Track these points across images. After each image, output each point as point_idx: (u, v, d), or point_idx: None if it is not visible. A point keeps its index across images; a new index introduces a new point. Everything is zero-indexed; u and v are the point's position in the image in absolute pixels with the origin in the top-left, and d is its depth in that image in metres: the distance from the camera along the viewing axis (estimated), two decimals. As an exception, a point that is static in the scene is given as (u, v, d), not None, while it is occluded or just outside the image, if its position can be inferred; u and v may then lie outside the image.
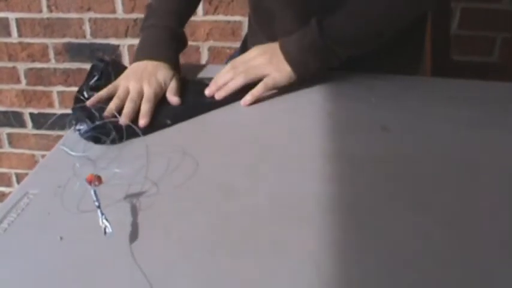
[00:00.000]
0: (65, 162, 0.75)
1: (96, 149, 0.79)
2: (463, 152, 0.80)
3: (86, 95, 0.91)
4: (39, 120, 2.06)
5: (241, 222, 0.64)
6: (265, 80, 0.94)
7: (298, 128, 0.86)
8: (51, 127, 2.05)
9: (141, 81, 0.92)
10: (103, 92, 0.91)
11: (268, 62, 0.96)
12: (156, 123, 0.87)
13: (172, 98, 0.93)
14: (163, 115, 0.89)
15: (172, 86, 0.95)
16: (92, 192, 0.63)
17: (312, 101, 0.95)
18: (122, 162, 0.76)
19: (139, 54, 1.00)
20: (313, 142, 0.81)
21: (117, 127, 0.82)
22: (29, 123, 2.07)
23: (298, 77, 0.95)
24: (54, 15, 1.85)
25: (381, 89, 0.99)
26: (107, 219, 0.60)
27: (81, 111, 0.86)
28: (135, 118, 0.86)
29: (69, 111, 1.89)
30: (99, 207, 0.62)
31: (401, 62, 1.09)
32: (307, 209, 0.66)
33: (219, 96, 0.94)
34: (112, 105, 0.87)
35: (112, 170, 0.72)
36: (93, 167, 0.73)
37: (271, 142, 0.82)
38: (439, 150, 0.80)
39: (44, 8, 1.84)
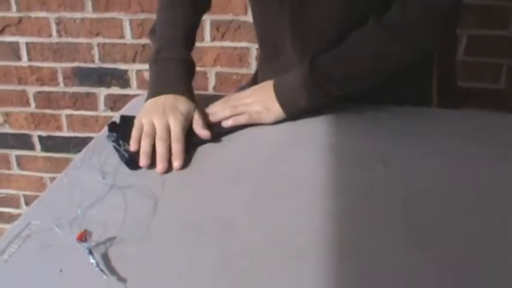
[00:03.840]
0: (68, 194, 0.76)
1: (98, 179, 0.80)
2: (466, 188, 0.79)
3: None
4: (47, 143, 2.07)
5: (241, 258, 0.65)
6: (252, 112, 0.97)
7: (299, 161, 0.87)
8: (60, 150, 2.07)
9: (165, 115, 0.91)
10: (135, 134, 0.89)
11: (260, 101, 0.99)
12: None
13: (202, 132, 0.92)
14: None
15: (197, 118, 0.94)
16: (86, 252, 0.63)
17: (314, 134, 0.95)
18: (126, 194, 0.77)
19: (156, 89, 0.99)
20: (313, 176, 0.82)
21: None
22: (38, 146, 2.09)
23: (287, 114, 0.98)
24: (64, 39, 1.87)
25: (384, 122, 0.99)
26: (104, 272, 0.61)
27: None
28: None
29: (76, 134, 1.91)
30: (97, 266, 0.62)
31: (408, 94, 1.08)
32: (306, 247, 0.66)
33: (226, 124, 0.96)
34: (146, 147, 0.86)
35: (114, 200, 0.73)
36: (94, 198, 0.74)
37: (271, 176, 0.83)
38: (441, 186, 0.79)
39: (54, 33, 1.87)
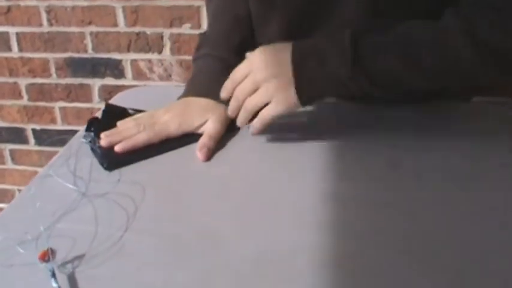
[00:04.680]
0: (35, 205, 0.68)
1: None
2: (484, 197, 0.70)
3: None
4: (41, 137, 2.00)
5: (227, 277, 0.57)
6: (263, 113, 0.80)
7: (295, 165, 0.79)
8: (54, 144, 2.00)
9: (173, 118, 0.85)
10: (118, 127, 0.85)
11: (272, 87, 0.78)
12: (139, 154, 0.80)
13: (198, 153, 0.81)
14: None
15: (210, 130, 0.85)
16: (49, 274, 0.56)
17: (311, 134, 0.87)
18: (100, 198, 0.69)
19: (186, 89, 0.93)
20: (309, 182, 0.74)
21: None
22: (32, 140, 2.02)
23: (303, 105, 0.80)
24: (55, 29, 1.79)
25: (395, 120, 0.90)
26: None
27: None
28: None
29: (71, 127, 1.85)
30: None
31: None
32: (298, 263, 0.59)
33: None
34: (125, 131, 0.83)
35: (85, 211, 0.65)
36: (64, 209, 0.67)
37: (263, 182, 0.75)
38: (454, 196, 0.71)
39: (45, 22, 1.79)
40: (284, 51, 0.79)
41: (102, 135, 0.81)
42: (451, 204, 0.68)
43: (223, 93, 0.83)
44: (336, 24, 0.86)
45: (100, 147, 0.79)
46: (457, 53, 0.75)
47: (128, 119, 0.86)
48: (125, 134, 0.82)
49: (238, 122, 0.83)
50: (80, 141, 0.83)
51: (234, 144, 0.85)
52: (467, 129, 0.87)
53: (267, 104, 0.79)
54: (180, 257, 0.60)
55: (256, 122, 0.81)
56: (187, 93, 0.91)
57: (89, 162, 0.78)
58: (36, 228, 0.63)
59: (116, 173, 0.76)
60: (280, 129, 0.87)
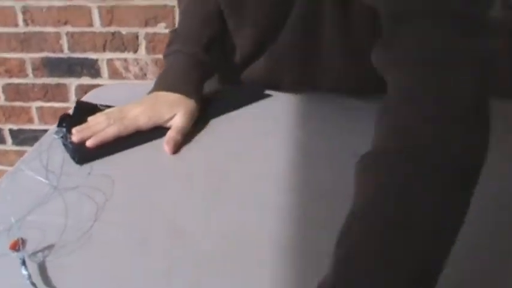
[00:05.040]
0: (6, 199, 0.70)
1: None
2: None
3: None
4: (18, 136, 2.01)
5: (191, 268, 0.60)
6: None
7: (262, 157, 0.81)
8: (32, 143, 2.01)
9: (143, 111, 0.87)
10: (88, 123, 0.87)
11: None
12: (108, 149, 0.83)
13: (165, 146, 0.83)
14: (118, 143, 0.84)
15: (177, 125, 0.87)
16: (20, 262, 0.58)
17: (278, 127, 0.89)
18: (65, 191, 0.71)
19: (157, 84, 0.94)
20: (275, 173, 0.76)
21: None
22: (9, 139, 2.03)
23: None
24: (31, 29, 1.81)
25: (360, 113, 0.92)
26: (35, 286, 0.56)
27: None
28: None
29: (48, 126, 1.86)
30: (29, 278, 0.57)
31: None
32: (262, 255, 0.61)
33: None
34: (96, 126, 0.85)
35: (56, 204, 0.68)
36: (35, 202, 0.69)
37: (229, 175, 0.77)
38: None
39: (20, 22, 1.80)
40: None
41: (74, 130, 0.83)
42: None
43: None
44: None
45: (71, 142, 0.81)
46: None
47: (98, 114, 0.88)
48: (95, 129, 0.84)
49: None
50: (52, 137, 0.84)
51: (202, 137, 0.87)
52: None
53: None
54: (145, 248, 0.62)
55: None
56: (158, 88, 0.93)
57: (61, 157, 0.80)
58: (7, 220, 0.65)
59: (87, 166, 0.78)
60: (252, 120, 0.91)
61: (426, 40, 0.63)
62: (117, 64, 1.82)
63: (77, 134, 0.83)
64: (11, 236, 0.63)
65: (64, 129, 0.84)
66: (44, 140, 0.86)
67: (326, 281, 0.50)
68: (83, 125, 0.85)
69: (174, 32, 1.01)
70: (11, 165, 2.03)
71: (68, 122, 0.85)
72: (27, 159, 0.81)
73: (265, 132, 0.88)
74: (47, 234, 0.63)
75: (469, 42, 0.61)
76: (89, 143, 0.82)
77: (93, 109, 0.88)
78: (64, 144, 0.82)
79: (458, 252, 0.52)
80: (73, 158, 0.80)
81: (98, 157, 0.81)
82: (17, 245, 0.61)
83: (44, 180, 0.73)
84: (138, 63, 1.80)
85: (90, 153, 0.81)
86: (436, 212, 0.52)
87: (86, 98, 1.02)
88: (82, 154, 0.80)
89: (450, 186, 0.54)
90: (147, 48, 1.77)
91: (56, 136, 0.83)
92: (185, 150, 0.84)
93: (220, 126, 0.90)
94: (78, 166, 0.78)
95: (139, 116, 0.86)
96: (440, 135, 0.56)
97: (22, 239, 0.62)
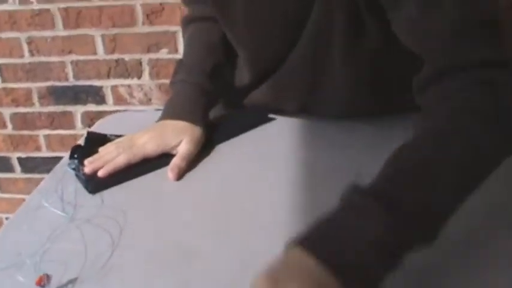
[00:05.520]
0: (25, 231, 0.73)
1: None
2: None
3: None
4: (27, 164, 2.04)
5: (206, 285, 0.62)
6: None
7: (267, 180, 0.84)
8: (40, 171, 2.04)
9: (150, 139, 0.91)
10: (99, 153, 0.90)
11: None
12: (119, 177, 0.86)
13: (169, 173, 0.87)
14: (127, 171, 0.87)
15: (183, 152, 0.90)
16: None
17: (283, 148, 0.93)
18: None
19: (164, 112, 0.98)
20: (282, 195, 0.79)
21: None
22: (18, 168, 2.06)
23: None
24: (36, 59, 1.84)
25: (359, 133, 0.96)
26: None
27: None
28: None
29: (56, 154, 1.89)
30: None
31: None
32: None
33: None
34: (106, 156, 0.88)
35: (74, 235, 0.70)
36: (54, 234, 0.72)
37: (237, 196, 0.80)
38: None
39: (26, 53, 1.83)
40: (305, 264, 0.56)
41: (86, 162, 0.86)
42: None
43: None
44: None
45: (84, 173, 0.84)
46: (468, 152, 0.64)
47: (108, 144, 0.91)
48: (106, 158, 0.87)
49: None
50: (64, 168, 0.88)
51: (209, 163, 0.91)
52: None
53: None
54: (160, 271, 0.66)
55: None
56: (165, 116, 0.96)
57: (74, 187, 0.83)
58: (27, 252, 0.68)
59: (98, 197, 0.81)
60: (257, 144, 0.94)
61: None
62: (122, 90, 1.85)
63: (88, 165, 0.86)
64: (35, 269, 0.65)
65: (76, 161, 0.87)
66: (57, 170, 0.89)
67: (375, 187, 0.60)
68: (95, 156, 0.88)
69: (179, 62, 1.05)
70: (20, 193, 2.08)
71: (79, 153, 0.89)
72: (42, 189, 0.84)
73: (271, 155, 0.91)
74: (68, 266, 0.66)
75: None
76: (100, 173, 0.85)
77: (103, 139, 0.92)
78: (76, 175, 0.85)
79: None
80: (86, 187, 0.83)
81: (109, 186, 0.84)
82: (43, 281, 0.63)
83: (60, 212, 0.76)
84: (142, 89, 1.83)
85: (102, 183, 0.84)
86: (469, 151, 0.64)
87: (94, 128, 1.05)
88: (94, 184, 0.83)
89: (485, 136, 0.65)
90: (150, 73, 1.80)
91: (69, 168, 0.86)
92: (193, 175, 0.87)
93: (226, 150, 0.93)
94: (90, 196, 0.82)
95: (147, 143, 0.90)
96: (487, 93, 0.67)
97: (47, 275, 0.64)
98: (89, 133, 0.95)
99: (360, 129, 0.96)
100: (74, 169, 0.87)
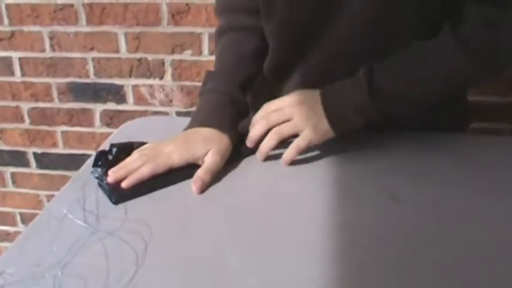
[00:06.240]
0: (46, 239, 0.70)
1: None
2: (488, 231, 0.72)
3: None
4: (42, 160, 2.01)
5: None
6: (297, 141, 0.88)
7: (299, 197, 0.80)
8: (56, 167, 2.01)
9: (177, 149, 0.87)
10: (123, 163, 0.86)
11: (305, 117, 0.88)
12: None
13: (193, 185, 0.83)
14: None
15: (209, 163, 0.86)
16: None
17: (317, 164, 0.89)
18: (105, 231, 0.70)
19: (191, 121, 0.95)
20: (314, 215, 0.75)
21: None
22: (33, 163, 2.03)
23: (338, 133, 0.88)
24: (58, 54, 1.81)
25: (394, 149, 0.92)
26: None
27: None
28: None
29: (72, 151, 1.86)
30: None
31: (443, 118, 1.01)
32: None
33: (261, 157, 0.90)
34: (132, 164, 0.85)
35: (96, 248, 0.67)
36: (75, 246, 0.68)
37: (269, 214, 0.76)
38: (458, 229, 0.73)
39: (47, 47, 1.81)
40: (314, 93, 0.90)
41: (110, 172, 0.82)
42: (455, 239, 0.70)
43: (255, 118, 0.92)
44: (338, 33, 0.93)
45: (107, 183, 0.81)
46: (455, 64, 0.87)
47: (134, 152, 0.87)
48: (129, 168, 0.83)
49: (262, 147, 0.89)
50: (87, 175, 0.84)
51: (237, 175, 0.87)
52: (466, 161, 0.89)
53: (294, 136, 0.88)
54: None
55: (291, 150, 0.88)
56: (192, 124, 0.93)
57: (96, 197, 0.80)
58: (47, 265, 0.64)
59: (122, 208, 0.77)
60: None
61: None
62: (143, 90, 1.82)
63: (112, 174, 0.82)
64: (54, 284, 0.62)
65: (99, 169, 0.83)
66: (79, 176, 0.86)
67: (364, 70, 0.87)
68: (119, 164, 0.84)
69: (209, 72, 1.01)
70: (35, 188, 2.06)
71: (103, 161, 0.85)
72: (63, 197, 0.80)
73: (303, 169, 0.87)
74: (89, 283, 0.63)
75: None
76: (124, 184, 0.81)
77: (129, 148, 0.88)
78: (99, 185, 0.82)
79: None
80: (109, 197, 0.79)
81: (133, 196, 0.80)
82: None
83: (83, 223, 0.72)
84: (163, 90, 1.80)
85: (126, 193, 0.80)
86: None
87: (118, 132, 1.02)
88: (118, 194, 0.79)
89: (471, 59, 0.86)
90: (173, 75, 1.77)
91: (92, 176, 0.83)
92: (221, 188, 0.83)
93: (253, 164, 0.89)
94: (113, 207, 0.78)
95: (173, 153, 0.86)
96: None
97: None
98: (112, 145, 0.90)
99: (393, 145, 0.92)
100: (97, 178, 0.83)
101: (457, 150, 0.93)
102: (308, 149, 0.89)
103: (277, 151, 0.89)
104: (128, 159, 0.85)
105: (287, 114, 0.88)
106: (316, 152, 0.92)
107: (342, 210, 0.76)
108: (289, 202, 0.79)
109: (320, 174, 0.86)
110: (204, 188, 0.83)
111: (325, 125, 0.87)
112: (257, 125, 0.90)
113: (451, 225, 0.73)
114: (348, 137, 0.89)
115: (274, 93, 1.00)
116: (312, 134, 0.87)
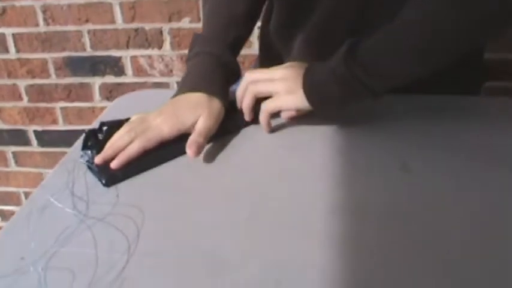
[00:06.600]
0: (31, 229, 0.65)
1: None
2: (499, 200, 0.67)
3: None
4: (43, 138, 1.97)
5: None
6: (267, 101, 0.83)
7: (301, 173, 0.75)
8: (57, 144, 1.97)
9: (165, 119, 0.82)
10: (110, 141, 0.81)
11: (283, 80, 0.83)
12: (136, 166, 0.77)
13: (188, 150, 0.78)
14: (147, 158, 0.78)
15: (200, 127, 0.81)
16: None
17: (318, 136, 0.83)
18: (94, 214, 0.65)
19: (179, 87, 0.89)
20: (317, 190, 0.70)
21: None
22: (34, 141, 1.99)
23: (313, 105, 0.81)
24: (52, 28, 1.75)
25: (407, 114, 0.87)
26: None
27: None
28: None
29: (73, 127, 1.82)
30: None
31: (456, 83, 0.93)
32: (307, 280, 0.55)
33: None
34: (118, 142, 0.79)
35: (84, 236, 0.62)
36: (63, 235, 0.63)
37: (266, 192, 0.71)
38: (470, 199, 0.67)
39: (41, 22, 1.75)
40: (302, 67, 0.84)
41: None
42: (464, 209, 0.65)
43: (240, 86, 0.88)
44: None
45: (97, 165, 0.75)
46: (441, 26, 0.75)
47: (120, 129, 0.81)
48: (117, 146, 0.78)
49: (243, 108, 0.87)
50: (76, 159, 0.79)
51: (234, 151, 0.82)
52: (475, 125, 0.83)
53: None
54: (184, 283, 0.57)
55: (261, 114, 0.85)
56: (180, 91, 0.87)
57: (86, 180, 0.75)
58: (32, 258, 0.60)
59: (113, 192, 0.72)
60: (283, 133, 0.85)
61: None
62: (142, 61, 1.76)
63: (99, 155, 0.77)
64: (39, 279, 0.57)
65: (89, 152, 0.78)
66: (66, 162, 0.81)
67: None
68: (106, 144, 0.79)
69: (194, 36, 0.95)
70: (37, 166, 2.01)
71: (94, 142, 0.79)
72: (50, 184, 0.75)
73: (302, 144, 0.81)
74: (77, 276, 0.58)
75: None
76: (113, 165, 0.75)
77: (121, 125, 0.82)
78: (89, 167, 0.77)
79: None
80: (100, 180, 0.74)
81: (125, 177, 0.75)
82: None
83: (71, 210, 0.67)
84: (163, 60, 1.74)
85: (117, 174, 0.75)
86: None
87: (112, 107, 0.97)
88: (109, 176, 0.74)
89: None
90: (171, 43, 1.71)
91: (81, 160, 0.78)
92: (217, 167, 0.78)
93: (249, 139, 0.83)
94: (104, 191, 0.72)
95: (161, 125, 0.80)
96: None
97: None
98: (102, 123, 0.84)
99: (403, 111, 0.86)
100: (87, 161, 0.77)
101: (471, 115, 0.87)
102: (306, 119, 0.84)
103: (274, 123, 0.84)
104: (115, 137, 0.79)
105: (270, 79, 0.86)
106: (316, 124, 0.86)
107: (348, 185, 0.71)
108: (291, 179, 0.73)
109: (321, 146, 0.80)
110: (199, 151, 0.77)
111: (300, 93, 0.81)
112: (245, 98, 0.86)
113: (467, 196, 0.67)
114: (352, 108, 0.83)
115: (281, 55, 0.99)
116: (284, 97, 0.83)
